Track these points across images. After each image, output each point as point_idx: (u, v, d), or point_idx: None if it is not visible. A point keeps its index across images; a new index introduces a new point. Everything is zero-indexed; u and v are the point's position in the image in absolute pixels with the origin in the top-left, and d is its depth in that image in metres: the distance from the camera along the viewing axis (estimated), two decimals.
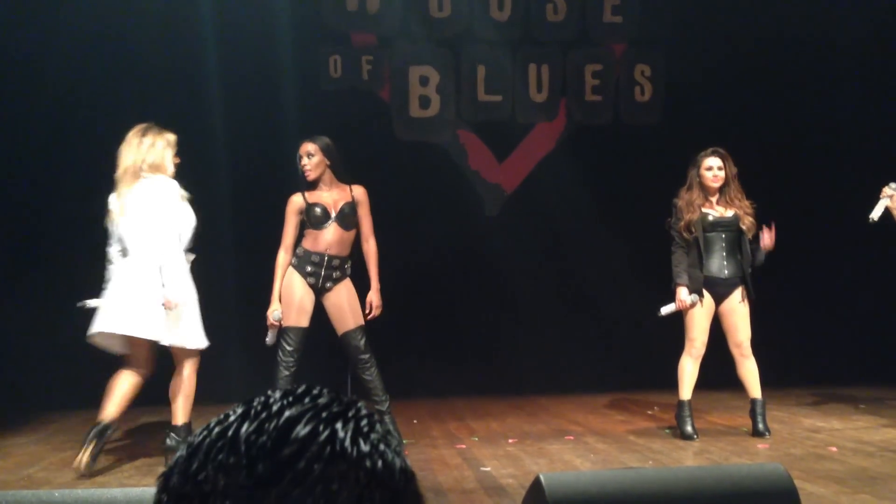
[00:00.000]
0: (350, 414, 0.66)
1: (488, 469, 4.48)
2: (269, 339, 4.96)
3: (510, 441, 5.23)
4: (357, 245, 5.04)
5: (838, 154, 7.28)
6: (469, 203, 7.24)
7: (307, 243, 4.94)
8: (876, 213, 5.26)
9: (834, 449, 4.83)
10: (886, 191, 5.27)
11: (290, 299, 4.91)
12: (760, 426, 5.25)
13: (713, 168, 5.25)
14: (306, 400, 0.66)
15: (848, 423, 5.66)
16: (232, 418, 0.66)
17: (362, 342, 4.91)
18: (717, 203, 5.28)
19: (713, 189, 5.25)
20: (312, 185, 4.97)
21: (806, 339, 7.19)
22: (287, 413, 0.65)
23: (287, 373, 4.86)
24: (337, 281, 4.94)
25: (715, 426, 5.63)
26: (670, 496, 2.55)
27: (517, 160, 7.42)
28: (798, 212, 7.08)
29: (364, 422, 0.66)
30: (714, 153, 5.29)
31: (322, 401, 0.67)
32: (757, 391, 5.28)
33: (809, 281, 7.23)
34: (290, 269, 4.94)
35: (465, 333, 6.42)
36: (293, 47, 6.92)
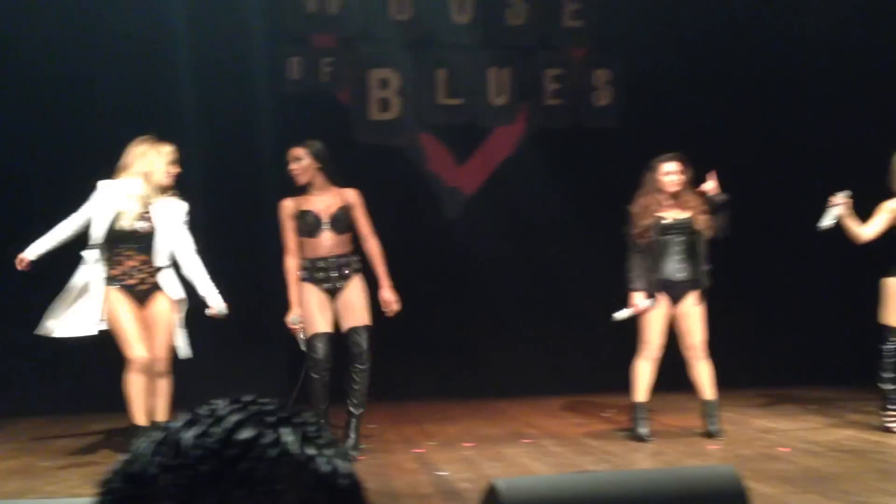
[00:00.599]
0: (296, 420, 0.66)
1: (445, 473, 4.49)
2: (302, 343, 4.91)
3: (466, 445, 5.24)
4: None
5: (791, 159, 7.42)
6: (428, 206, 7.25)
7: (307, 252, 4.92)
8: (826, 221, 5.37)
9: (783, 449, 4.92)
10: (837, 199, 5.39)
11: (309, 308, 4.89)
12: (713, 427, 5.33)
13: (671, 173, 5.32)
14: (252, 406, 0.67)
15: (797, 424, 5.77)
16: (176, 424, 0.66)
17: (365, 341, 4.90)
18: (673, 207, 5.36)
19: (670, 193, 5.32)
20: (304, 190, 4.95)
21: (756, 341, 7.31)
22: (232, 417, 0.65)
23: (320, 383, 4.85)
24: (348, 277, 4.93)
25: (669, 428, 5.71)
26: (625, 499, 2.59)
27: (477, 163, 7.45)
28: (750, 214, 7.20)
29: (311, 428, 0.67)
30: (671, 158, 5.37)
31: (269, 407, 0.67)
32: (709, 393, 5.36)
33: (760, 283, 7.36)
34: (303, 282, 4.91)
35: (422, 337, 6.42)
36: (252, 48, 6.87)
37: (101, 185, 4.65)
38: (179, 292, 4.74)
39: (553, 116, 7.57)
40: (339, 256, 4.91)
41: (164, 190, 4.70)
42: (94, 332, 4.61)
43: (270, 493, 0.61)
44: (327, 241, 4.90)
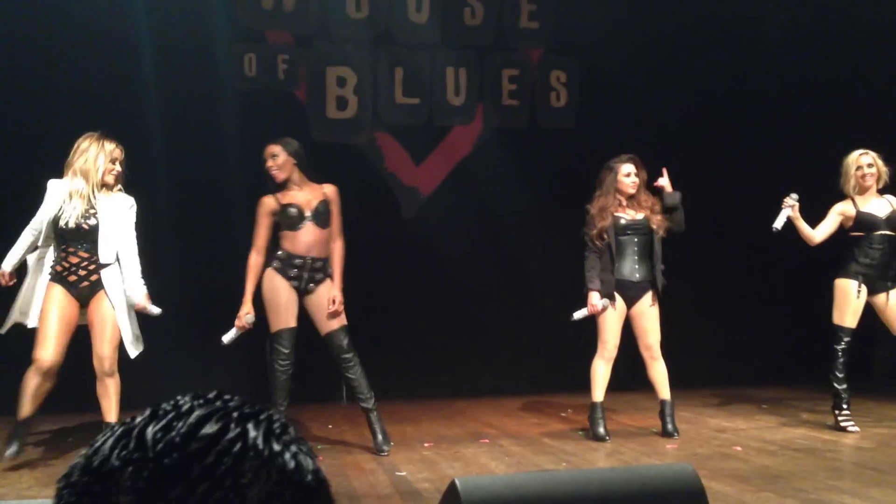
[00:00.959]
0: (262, 416, 0.66)
1: (403, 473, 4.46)
2: (228, 338, 4.89)
3: (425, 445, 5.22)
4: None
5: (746, 159, 7.52)
6: (386, 205, 7.21)
7: (287, 245, 4.92)
8: (779, 223, 5.45)
9: (738, 448, 4.98)
10: (788, 201, 5.47)
11: (276, 302, 4.90)
12: (669, 427, 5.37)
13: (631, 174, 5.36)
14: (217, 402, 0.66)
15: (751, 423, 5.85)
16: (139, 419, 0.65)
17: (345, 342, 4.94)
18: (629, 207, 5.40)
19: (628, 194, 5.36)
20: (283, 187, 4.94)
21: (711, 341, 7.40)
22: (197, 412, 0.64)
23: (284, 376, 4.88)
24: (319, 282, 4.95)
25: (626, 427, 5.74)
26: (583, 498, 2.58)
27: (434, 163, 7.42)
28: (704, 214, 7.28)
29: (276, 424, 0.66)
30: (630, 160, 5.41)
31: (233, 403, 0.66)
32: (666, 392, 5.41)
33: (714, 284, 7.45)
34: (272, 272, 4.91)
35: (379, 337, 6.37)
36: (207, 45, 6.76)
37: (51, 183, 4.61)
38: (123, 290, 4.62)
39: (510, 116, 7.58)
40: (315, 259, 4.93)
41: (109, 187, 4.60)
42: (32, 325, 4.58)
43: (235, 488, 0.60)
44: (308, 236, 4.92)
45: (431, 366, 7.00)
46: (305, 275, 4.92)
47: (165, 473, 0.60)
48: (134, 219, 4.69)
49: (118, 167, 4.63)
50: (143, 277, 4.68)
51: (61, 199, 4.53)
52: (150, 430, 0.63)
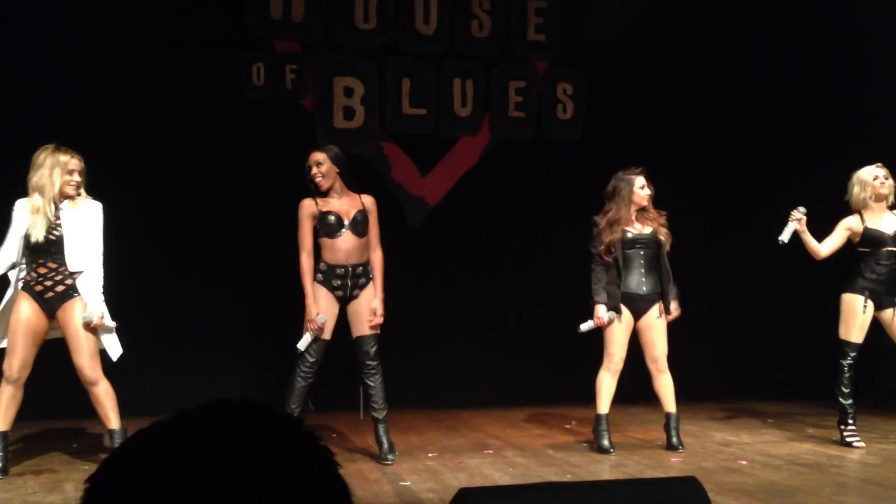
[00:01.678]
0: (288, 423, 0.67)
1: (408, 483, 4.45)
2: (303, 344, 4.92)
3: (430, 455, 5.21)
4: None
5: (754, 173, 7.52)
6: (392, 216, 7.19)
7: (327, 256, 4.98)
8: (785, 236, 5.45)
9: (744, 462, 4.96)
10: (795, 214, 5.46)
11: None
12: (674, 440, 5.36)
13: (644, 186, 5.37)
14: (242, 409, 0.67)
15: (757, 437, 5.83)
16: (165, 423, 0.66)
17: (373, 349, 5.02)
18: (636, 221, 5.39)
19: (643, 206, 5.36)
20: (323, 193, 5.00)
21: (716, 355, 7.38)
22: (222, 418, 0.65)
23: (304, 383, 4.94)
24: (363, 287, 5.04)
25: (631, 440, 5.72)
26: None
27: (441, 174, 7.43)
28: (710, 227, 7.29)
29: (303, 432, 0.67)
30: (641, 172, 5.40)
31: (258, 409, 0.67)
32: (672, 406, 5.39)
33: (719, 298, 7.44)
34: (316, 284, 4.97)
35: (386, 347, 6.36)
36: (215, 54, 6.79)
37: (17, 203, 4.63)
38: (89, 303, 4.58)
39: (517, 128, 7.59)
40: (356, 265, 4.99)
41: (70, 197, 4.58)
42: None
43: (259, 494, 0.60)
44: (346, 244, 4.97)
45: (436, 376, 7.00)
46: (349, 282, 4.99)
47: (191, 477, 0.60)
48: (99, 225, 4.63)
49: (76, 177, 4.58)
50: (103, 292, 4.62)
51: (26, 216, 4.55)
52: (177, 434, 0.63)
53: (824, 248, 5.54)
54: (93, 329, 4.57)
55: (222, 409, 0.65)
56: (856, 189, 5.56)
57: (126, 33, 6.55)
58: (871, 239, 5.49)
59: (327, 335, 4.99)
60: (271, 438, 0.63)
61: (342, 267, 4.97)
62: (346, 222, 4.98)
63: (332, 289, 4.98)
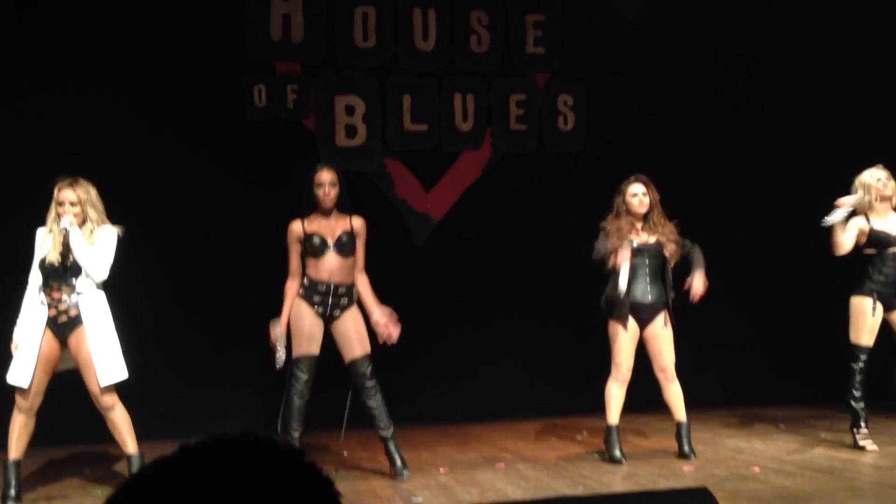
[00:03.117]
0: (289, 456, 0.67)
1: (419, 500, 4.44)
2: (279, 360, 4.92)
3: (441, 471, 5.20)
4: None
5: (757, 179, 7.52)
6: (396, 232, 7.23)
7: (311, 272, 5.00)
8: (834, 218, 5.42)
9: (756, 469, 4.94)
10: (847, 199, 5.44)
11: (300, 328, 4.96)
12: (686, 448, 5.34)
13: (637, 194, 5.36)
14: (244, 443, 0.66)
15: (769, 444, 5.80)
16: (168, 458, 0.65)
17: (368, 370, 4.99)
18: (642, 230, 5.39)
19: (639, 215, 5.36)
20: (312, 211, 5.03)
21: (726, 362, 7.36)
22: (225, 454, 0.64)
23: (301, 401, 4.92)
24: (344, 308, 5.01)
25: (642, 449, 5.71)
26: None
27: (444, 189, 7.45)
28: (716, 234, 7.28)
29: (303, 465, 0.67)
30: (637, 180, 5.41)
31: (261, 444, 0.67)
32: (682, 414, 5.38)
33: (729, 303, 7.42)
34: (299, 299, 4.99)
35: (392, 363, 6.36)
36: (217, 76, 6.84)
37: (38, 232, 4.70)
38: (102, 317, 4.61)
39: (518, 141, 7.61)
40: (339, 285, 4.99)
41: (82, 221, 4.61)
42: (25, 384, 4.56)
43: None
44: (330, 263, 4.98)
45: (445, 391, 6.99)
46: (330, 300, 4.97)
47: None
48: (111, 248, 4.65)
49: (73, 208, 4.59)
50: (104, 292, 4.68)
51: (43, 244, 4.62)
52: (180, 472, 0.63)
53: (847, 243, 5.51)
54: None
55: (224, 444, 0.65)
56: (859, 193, 5.55)
57: (128, 56, 6.60)
58: (877, 240, 5.49)
59: (315, 350, 4.97)
60: (274, 474, 0.63)
61: (324, 284, 4.96)
62: (331, 243, 4.98)
63: (312, 304, 4.97)
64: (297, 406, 4.91)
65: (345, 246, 4.98)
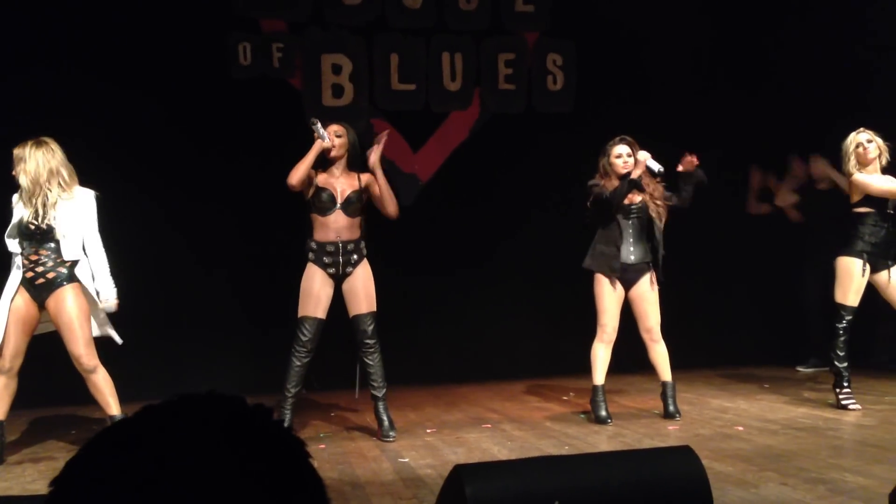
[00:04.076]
0: (255, 414, 0.65)
1: (406, 460, 4.47)
2: (320, 133, 4.92)
3: (428, 431, 5.23)
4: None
5: (745, 141, 7.49)
6: None
7: (317, 234, 5.01)
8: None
9: (740, 428, 4.99)
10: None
11: (309, 290, 4.99)
12: (671, 408, 5.39)
13: (622, 155, 5.34)
14: (210, 401, 0.65)
15: (753, 403, 5.86)
16: (129, 419, 0.64)
17: (370, 328, 5.03)
18: None
19: (621, 175, 5.33)
20: (328, 165, 5.01)
21: (711, 322, 7.40)
22: (189, 412, 0.63)
23: (300, 363, 4.95)
24: (356, 264, 5.04)
25: (628, 409, 5.75)
26: (586, 482, 2.59)
27: (432, 149, 7.40)
28: (704, 194, 7.26)
29: (270, 423, 0.66)
30: (622, 141, 5.38)
31: (227, 402, 0.66)
32: (667, 374, 5.41)
33: (714, 264, 7.45)
34: (310, 263, 5.01)
35: (381, 324, 6.39)
36: (201, 33, 6.73)
37: (14, 197, 4.65)
38: (90, 284, 4.59)
39: (507, 101, 7.55)
40: (346, 242, 4.99)
41: (61, 185, 4.55)
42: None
43: (226, 487, 0.59)
44: (336, 223, 4.98)
45: (433, 352, 7.01)
46: (340, 259, 4.99)
47: (157, 474, 0.59)
48: (92, 213, 4.62)
49: (62, 174, 4.55)
50: (111, 276, 4.66)
51: (21, 207, 4.58)
52: (142, 431, 0.62)
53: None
54: (87, 317, 4.57)
55: (189, 402, 0.64)
56: (844, 160, 5.54)
57: (110, 14, 6.48)
58: (871, 198, 5.46)
59: (322, 314, 4.99)
60: (239, 431, 0.62)
61: (332, 244, 4.98)
62: (339, 201, 4.98)
63: (323, 266, 4.98)
64: (294, 366, 4.93)
65: (351, 205, 4.98)
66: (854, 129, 5.54)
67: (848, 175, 5.55)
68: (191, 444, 0.60)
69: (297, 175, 4.87)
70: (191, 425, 0.61)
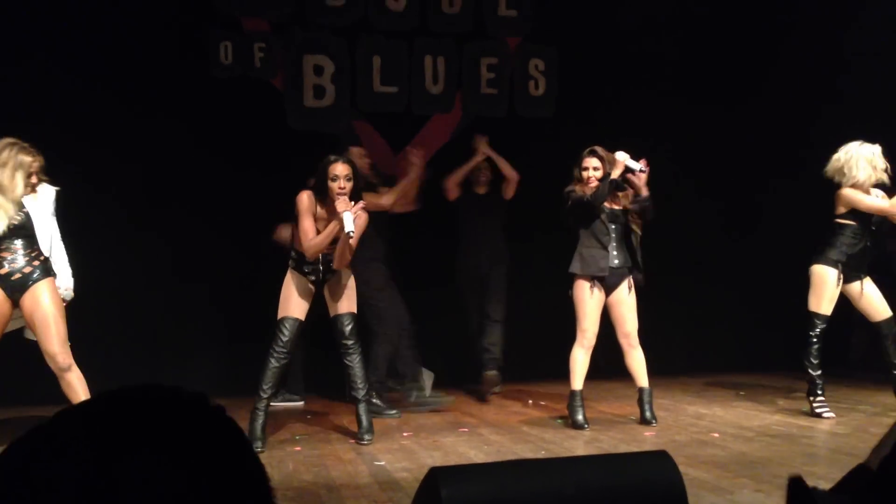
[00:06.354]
0: (191, 402, 0.65)
1: (382, 463, 4.45)
2: (348, 223, 4.63)
3: (405, 434, 5.21)
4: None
5: (726, 150, 7.54)
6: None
7: (299, 247, 4.92)
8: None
9: (716, 435, 5.01)
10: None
11: (290, 291, 4.95)
12: (648, 414, 5.40)
13: (589, 168, 5.37)
14: (144, 392, 0.65)
15: (729, 410, 5.89)
16: (65, 410, 0.63)
17: (349, 328, 5.00)
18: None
19: (591, 188, 5.34)
20: (322, 197, 4.84)
21: (688, 330, 7.44)
22: (122, 403, 0.63)
23: (277, 364, 4.90)
24: (336, 270, 4.99)
25: (605, 415, 5.76)
26: (562, 486, 2.59)
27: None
28: (682, 204, 7.31)
29: (207, 410, 0.65)
30: (592, 154, 5.40)
31: (162, 392, 0.65)
32: (644, 380, 5.43)
33: (690, 272, 7.48)
34: (290, 269, 4.97)
35: (358, 327, 6.38)
36: (182, 32, 6.69)
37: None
38: (60, 280, 4.56)
39: (489, 105, 7.56)
40: (327, 253, 4.94)
41: (30, 186, 4.48)
42: None
43: (161, 475, 0.58)
44: (319, 247, 4.89)
45: None
46: (321, 267, 4.97)
47: (88, 466, 0.58)
48: (51, 206, 4.60)
49: (34, 179, 4.48)
50: (70, 266, 4.66)
51: None
52: (70, 424, 0.61)
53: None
54: (63, 314, 4.52)
55: (126, 393, 0.63)
56: (852, 168, 5.42)
57: (91, 12, 6.43)
58: (861, 213, 5.46)
59: (300, 315, 4.96)
60: (173, 420, 0.61)
61: (313, 260, 4.96)
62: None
63: (304, 273, 4.97)
64: (271, 367, 4.87)
65: (339, 239, 4.87)
66: (837, 137, 5.55)
67: (842, 185, 5.48)
68: (128, 433, 0.59)
69: (310, 253, 4.84)
70: (128, 415, 0.60)
